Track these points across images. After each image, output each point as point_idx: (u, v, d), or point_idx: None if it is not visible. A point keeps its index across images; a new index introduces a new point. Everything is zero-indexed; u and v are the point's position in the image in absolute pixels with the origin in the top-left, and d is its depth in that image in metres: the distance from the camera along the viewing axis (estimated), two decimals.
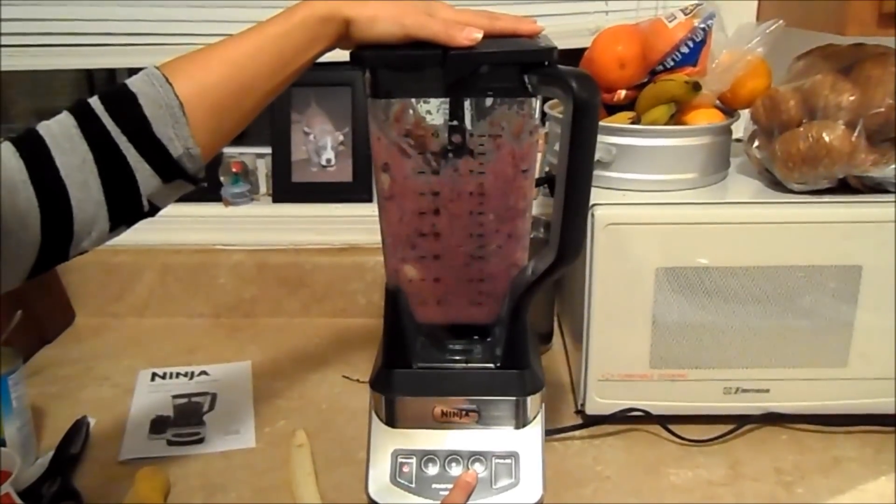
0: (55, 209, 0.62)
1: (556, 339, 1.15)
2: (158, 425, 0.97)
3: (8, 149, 0.61)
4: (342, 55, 0.71)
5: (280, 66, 0.68)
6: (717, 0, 1.15)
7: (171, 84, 0.65)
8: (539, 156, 0.98)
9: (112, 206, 0.65)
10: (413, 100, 0.70)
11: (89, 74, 1.41)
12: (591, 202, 0.84)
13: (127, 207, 0.66)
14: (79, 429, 0.94)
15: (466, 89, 0.68)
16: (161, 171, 0.66)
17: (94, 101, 0.64)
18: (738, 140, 0.96)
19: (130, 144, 0.64)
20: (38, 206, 0.61)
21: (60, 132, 0.63)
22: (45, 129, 0.63)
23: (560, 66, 0.65)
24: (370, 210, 0.76)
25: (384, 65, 0.68)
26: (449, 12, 0.69)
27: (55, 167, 0.62)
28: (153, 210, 0.68)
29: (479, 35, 0.66)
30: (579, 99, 0.61)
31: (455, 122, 0.70)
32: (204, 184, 0.71)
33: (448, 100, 0.69)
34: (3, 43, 1.20)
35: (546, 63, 0.66)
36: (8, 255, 0.59)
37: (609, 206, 0.86)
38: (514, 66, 0.66)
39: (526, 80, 0.66)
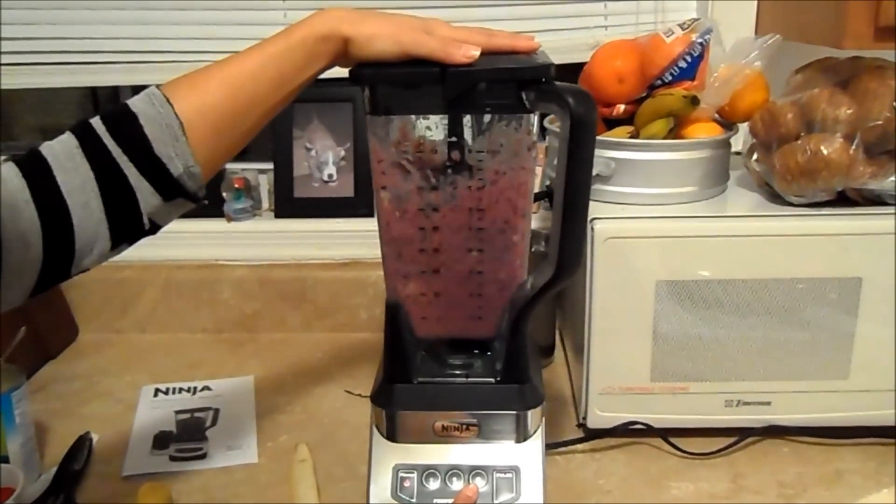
0: (57, 228, 0.62)
1: (558, 352, 1.15)
2: (161, 441, 0.97)
3: (11, 169, 0.62)
4: (343, 71, 0.71)
5: (280, 85, 0.69)
6: (717, 4, 1.16)
7: (171, 104, 0.65)
8: (538, 170, 0.98)
9: (113, 225, 0.65)
10: (412, 116, 0.70)
11: (93, 92, 1.43)
12: (591, 216, 0.85)
13: (128, 226, 0.66)
14: (82, 444, 0.94)
15: (464, 106, 0.69)
16: (161, 189, 0.66)
17: (96, 122, 0.65)
18: (736, 153, 0.96)
19: (131, 164, 0.64)
20: (41, 225, 0.62)
21: (62, 152, 0.64)
22: (48, 149, 0.64)
23: (557, 83, 0.65)
24: (372, 225, 0.76)
25: (383, 82, 0.69)
26: (446, 30, 0.69)
27: (57, 187, 0.62)
28: (154, 228, 0.69)
29: (477, 52, 0.67)
30: (576, 115, 0.62)
31: (454, 139, 0.71)
32: (205, 202, 0.71)
33: (447, 116, 0.70)
34: (6, 61, 1.21)
35: (543, 80, 0.66)
36: (10, 273, 0.60)
37: (609, 219, 0.86)
38: (512, 82, 0.67)
39: (523, 96, 0.67)
